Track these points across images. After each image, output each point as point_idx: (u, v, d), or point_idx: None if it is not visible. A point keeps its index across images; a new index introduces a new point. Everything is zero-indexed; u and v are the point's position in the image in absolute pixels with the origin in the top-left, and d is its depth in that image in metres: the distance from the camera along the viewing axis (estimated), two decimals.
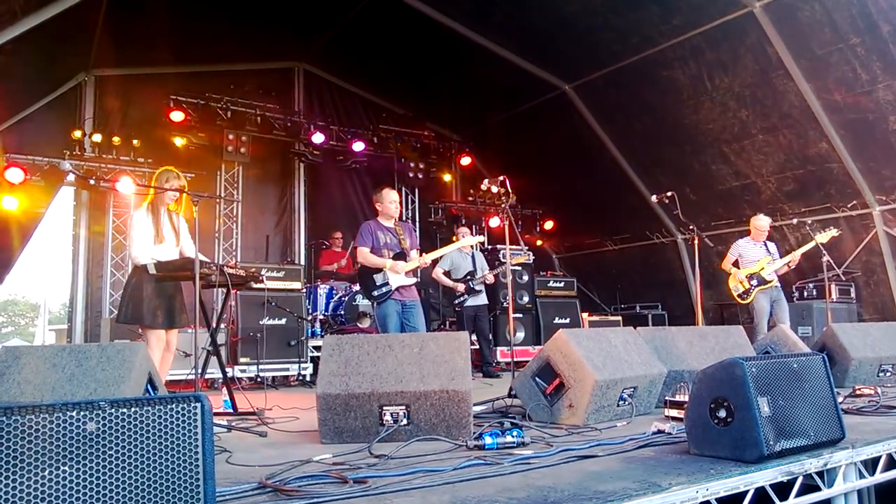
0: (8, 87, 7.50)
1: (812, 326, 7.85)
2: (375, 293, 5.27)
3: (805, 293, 8.42)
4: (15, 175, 7.56)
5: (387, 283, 5.23)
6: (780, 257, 7.17)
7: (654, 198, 7.16)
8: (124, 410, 1.49)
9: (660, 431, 3.21)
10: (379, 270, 5.26)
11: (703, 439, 2.73)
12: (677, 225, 9.94)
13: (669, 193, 6.58)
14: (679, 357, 4.37)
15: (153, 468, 1.49)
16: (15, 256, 8.68)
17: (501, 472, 2.52)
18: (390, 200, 5.45)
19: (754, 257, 7.21)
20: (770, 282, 7.08)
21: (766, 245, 7.25)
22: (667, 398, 3.81)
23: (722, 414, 2.65)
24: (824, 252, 7.35)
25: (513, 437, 3.05)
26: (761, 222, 7.29)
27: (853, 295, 8.26)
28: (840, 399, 3.02)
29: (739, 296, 7.24)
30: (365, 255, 5.30)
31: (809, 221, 7.38)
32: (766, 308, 7.06)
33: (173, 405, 1.56)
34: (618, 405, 3.83)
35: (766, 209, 8.83)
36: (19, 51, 6.57)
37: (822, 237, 7.01)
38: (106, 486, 1.43)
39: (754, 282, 7.10)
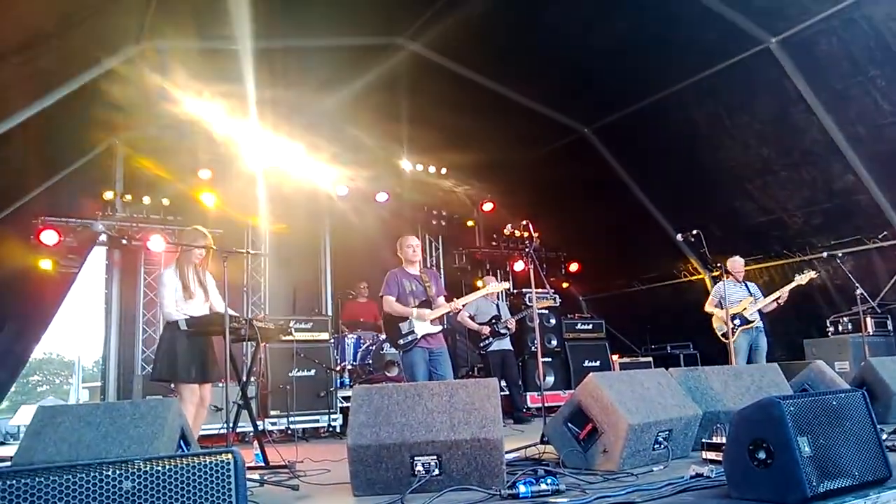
0: (42, 152, 7.78)
1: (849, 361, 7.62)
2: (401, 342, 5.28)
3: (840, 327, 8.21)
4: (50, 237, 7.78)
5: (412, 332, 5.24)
6: (763, 296, 7.27)
7: (679, 236, 7.13)
8: (158, 468, 1.51)
9: (698, 475, 3.14)
10: (405, 319, 5.27)
11: (744, 482, 2.66)
12: (704, 263, 9.83)
13: (695, 231, 6.55)
14: (714, 398, 4.28)
15: None
16: (50, 316, 8.87)
17: None
18: (407, 245, 5.52)
19: (736, 298, 7.33)
20: (752, 322, 7.20)
21: (746, 286, 7.40)
22: (704, 440, 3.73)
23: (762, 455, 2.59)
24: (857, 285, 7.22)
25: (547, 484, 3.00)
26: (735, 264, 7.48)
27: (890, 327, 8.02)
28: (884, 436, 2.93)
29: (723, 335, 7.30)
30: (391, 304, 5.33)
31: (840, 254, 7.28)
32: (744, 348, 7.18)
33: (206, 460, 1.57)
34: (653, 449, 3.75)
35: (795, 243, 8.75)
36: (52, 116, 6.84)
37: (802, 279, 7.18)
38: None
39: (737, 321, 7.16)
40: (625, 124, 9.11)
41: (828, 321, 8.31)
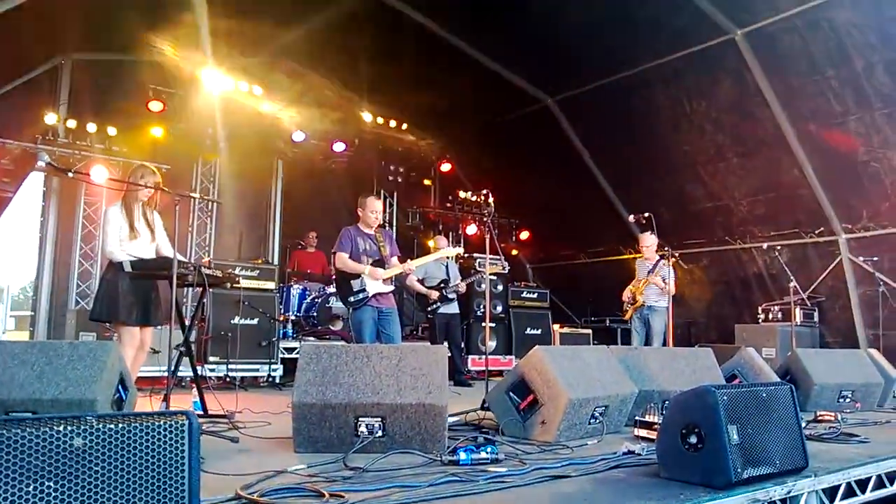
0: None
1: (776, 348, 8.02)
2: (352, 299, 5.26)
3: (770, 315, 8.61)
4: None
5: (364, 290, 5.23)
6: (665, 279, 7.09)
7: (631, 217, 7.29)
8: (111, 426, 1.48)
9: (630, 452, 3.27)
10: (356, 276, 5.25)
11: (674, 464, 2.79)
12: None
13: (647, 214, 6.69)
14: (650, 377, 4.45)
15: (138, 484, 1.48)
16: None
17: (476, 491, 2.55)
18: (371, 210, 5.43)
19: (638, 277, 7.44)
20: (637, 302, 7.29)
21: (654, 265, 7.27)
22: (637, 418, 3.88)
23: (693, 440, 2.72)
24: (791, 277, 7.56)
25: (487, 453, 3.07)
26: (642, 241, 7.49)
27: (816, 319, 8.47)
28: (803, 424, 3.11)
29: (622, 312, 7.50)
30: (343, 261, 5.29)
31: (778, 247, 7.57)
32: (636, 327, 7.34)
33: (160, 421, 1.55)
34: (589, 423, 3.89)
35: (738, 231, 9.05)
36: None
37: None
38: (90, 502, 1.42)
39: (629, 300, 7.30)
40: (588, 99, 9.17)
41: (759, 308, 8.70)
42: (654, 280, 7.14)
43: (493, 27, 8.48)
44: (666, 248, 6.95)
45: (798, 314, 8.14)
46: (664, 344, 7.03)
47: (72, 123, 8.27)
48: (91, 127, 8.32)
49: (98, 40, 8.47)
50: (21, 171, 8.10)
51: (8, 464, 1.35)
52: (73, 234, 8.60)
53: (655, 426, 3.57)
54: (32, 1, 6.38)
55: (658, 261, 7.22)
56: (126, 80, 8.77)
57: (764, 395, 2.92)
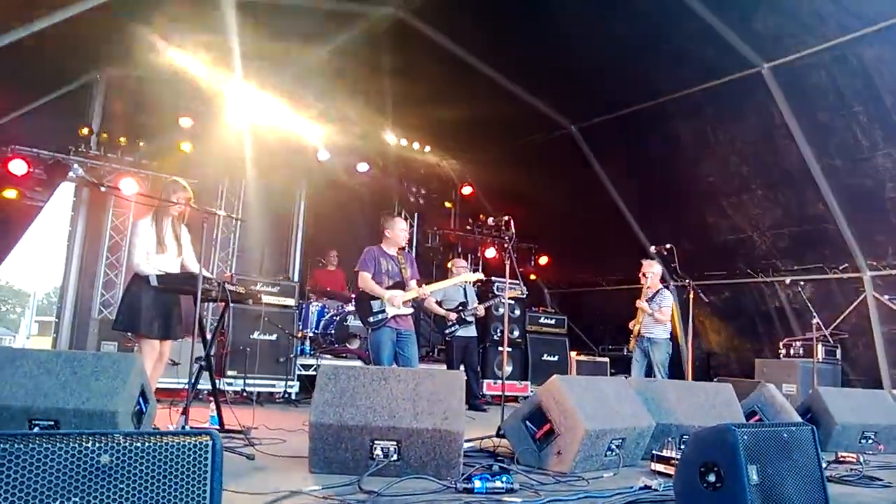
0: (18, 79, 7.51)
1: (797, 385, 7.89)
2: (371, 319, 5.28)
3: (791, 351, 8.47)
4: (18, 167, 7.55)
5: (383, 311, 5.25)
6: (659, 310, 6.95)
7: (652, 248, 7.22)
8: (137, 444, 1.50)
9: (647, 487, 3.24)
10: (377, 297, 5.28)
11: (692, 502, 2.75)
12: (670, 273, 10.00)
13: (668, 246, 6.64)
14: (668, 411, 4.40)
15: (162, 502, 1.51)
16: (10, 245, 8.67)
17: None
18: (400, 228, 5.49)
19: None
20: (635, 332, 7.06)
21: (654, 294, 7.07)
22: (654, 452, 3.84)
23: (711, 478, 2.68)
24: (814, 312, 7.45)
25: (502, 482, 3.07)
26: (644, 269, 7.19)
27: (839, 357, 8.31)
28: (824, 464, 3.06)
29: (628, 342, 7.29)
30: (365, 281, 5.32)
31: (802, 281, 7.47)
32: (637, 357, 7.09)
33: (185, 440, 1.57)
34: (605, 455, 3.85)
35: (760, 264, 8.95)
36: (31, 45, 6.62)
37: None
38: None
39: (632, 329, 7.10)
40: (611, 127, 9.16)
41: (781, 343, 8.57)
42: (643, 306, 6.96)
43: (518, 52, 8.53)
44: (687, 280, 6.87)
45: (820, 351, 8.00)
46: (670, 376, 6.89)
47: (104, 136, 8.45)
48: (122, 140, 8.49)
49: (131, 57, 8.67)
50: (52, 180, 8.26)
51: (35, 478, 1.37)
52: (100, 244, 8.73)
53: (673, 461, 3.54)
54: (68, 19, 6.59)
55: (659, 290, 7.10)
56: (157, 95, 8.94)
57: (785, 435, 2.87)
